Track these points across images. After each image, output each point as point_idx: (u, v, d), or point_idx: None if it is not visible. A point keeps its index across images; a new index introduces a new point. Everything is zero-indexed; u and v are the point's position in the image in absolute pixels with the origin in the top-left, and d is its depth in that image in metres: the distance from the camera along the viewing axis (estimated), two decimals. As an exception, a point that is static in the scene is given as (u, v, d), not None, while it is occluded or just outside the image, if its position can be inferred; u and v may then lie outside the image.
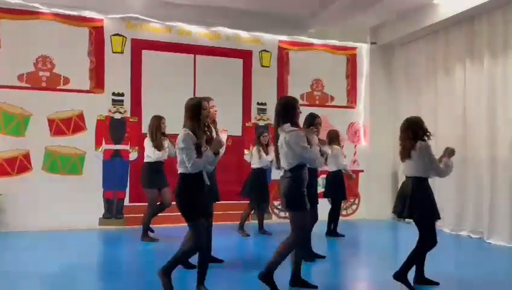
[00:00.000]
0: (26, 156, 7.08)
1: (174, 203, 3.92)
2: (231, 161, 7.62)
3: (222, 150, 4.22)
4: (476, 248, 6.40)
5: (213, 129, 4.28)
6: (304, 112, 4.37)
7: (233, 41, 8.25)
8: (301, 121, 4.37)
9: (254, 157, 6.81)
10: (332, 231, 6.88)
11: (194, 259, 4.08)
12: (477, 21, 6.96)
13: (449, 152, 4.33)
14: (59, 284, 4.41)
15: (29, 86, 7.14)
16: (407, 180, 4.26)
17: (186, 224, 3.80)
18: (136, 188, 7.34)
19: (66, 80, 7.33)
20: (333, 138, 6.79)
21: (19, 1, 7.03)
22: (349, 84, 9.04)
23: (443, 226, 7.21)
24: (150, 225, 6.34)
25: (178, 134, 3.79)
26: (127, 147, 7.60)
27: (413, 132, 4.22)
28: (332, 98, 8.91)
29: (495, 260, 5.77)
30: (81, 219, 7.13)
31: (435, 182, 4.42)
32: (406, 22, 8.11)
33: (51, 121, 7.22)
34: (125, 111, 7.62)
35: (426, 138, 4.23)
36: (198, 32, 8.04)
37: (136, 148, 7.56)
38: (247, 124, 8.32)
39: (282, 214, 8.07)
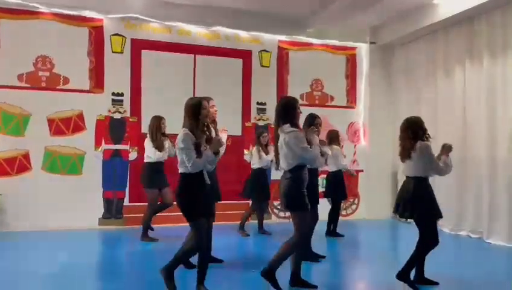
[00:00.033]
0: (26, 156, 7.08)
1: (175, 203, 3.92)
2: (231, 161, 7.62)
3: (222, 150, 4.23)
4: (475, 248, 6.40)
5: (212, 129, 4.28)
6: (304, 112, 4.37)
7: (233, 41, 8.25)
8: (301, 121, 4.37)
9: (254, 158, 6.81)
10: (332, 231, 6.88)
11: (194, 259, 4.08)
12: (477, 21, 6.97)
13: (446, 149, 4.33)
14: (59, 284, 4.41)
15: (29, 85, 7.14)
16: (408, 180, 4.26)
17: (185, 224, 3.81)
18: (136, 188, 7.34)
19: (66, 80, 7.33)
20: (333, 138, 6.79)
21: (19, 1, 7.03)
22: (348, 84, 9.05)
23: (443, 226, 7.21)
24: (151, 224, 6.35)
25: (178, 134, 3.79)
26: (126, 147, 7.60)
27: (413, 131, 4.22)
28: (332, 98, 8.91)
29: (494, 260, 5.78)
30: (81, 219, 7.13)
31: (434, 182, 4.42)
32: (405, 22, 8.12)
33: (50, 121, 7.22)
34: (124, 111, 7.62)
35: (426, 138, 4.23)
36: (198, 32, 8.04)
37: (136, 148, 7.56)
38: (246, 124, 8.32)
39: (281, 214, 8.08)
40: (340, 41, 8.91)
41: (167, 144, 6.14)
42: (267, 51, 8.47)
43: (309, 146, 3.91)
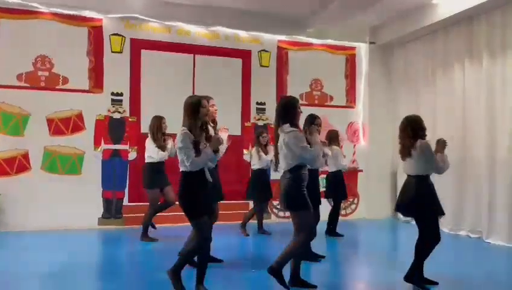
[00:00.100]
0: (25, 156, 7.07)
1: (177, 202, 3.92)
2: (230, 161, 7.61)
3: (223, 149, 4.23)
4: (475, 248, 6.40)
5: (210, 128, 4.28)
6: (303, 111, 4.36)
7: (232, 41, 8.24)
8: (301, 121, 4.37)
9: (254, 158, 6.81)
10: (331, 231, 6.88)
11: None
12: (476, 21, 6.97)
13: (441, 144, 4.32)
14: (58, 284, 4.40)
15: (28, 85, 7.13)
16: (409, 179, 4.26)
17: (185, 224, 3.81)
18: (135, 188, 7.35)
19: (65, 80, 7.32)
20: (333, 138, 6.80)
21: (18, 0, 7.02)
22: (348, 84, 9.05)
23: (442, 226, 7.18)
24: (153, 222, 6.35)
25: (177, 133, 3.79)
26: (126, 147, 7.59)
27: (412, 129, 4.22)
28: (331, 98, 8.91)
29: (494, 260, 5.78)
30: (80, 219, 7.12)
31: (434, 182, 4.41)
32: (405, 22, 8.12)
33: (50, 121, 7.21)
34: (124, 111, 7.61)
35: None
36: (198, 32, 8.04)
37: (135, 148, 7.56)
38: (246, 124, 8.32)
39: (281, 213, 8.08)
40: (339, 41, 8.91)
41: (170, 143, 6.13)
42: (266, 51, 8.47)
43: (309, 146, 3.91)
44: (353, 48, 9.07)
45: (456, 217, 7.22)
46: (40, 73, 7.20)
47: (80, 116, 7.38)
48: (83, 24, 7.43)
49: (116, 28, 7.59)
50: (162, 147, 6.07)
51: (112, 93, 7.55)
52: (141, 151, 6.97)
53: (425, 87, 8.17)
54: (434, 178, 4.32)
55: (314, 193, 4.85)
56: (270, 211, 8.26)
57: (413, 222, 4.40)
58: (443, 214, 4.26)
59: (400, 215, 7.67)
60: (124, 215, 7.50)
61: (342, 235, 6.86)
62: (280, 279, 3.97)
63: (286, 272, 4.14)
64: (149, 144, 6.13)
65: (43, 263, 5.05)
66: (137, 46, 7.70)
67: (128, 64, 7.65)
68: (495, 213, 6.52)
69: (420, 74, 8.31)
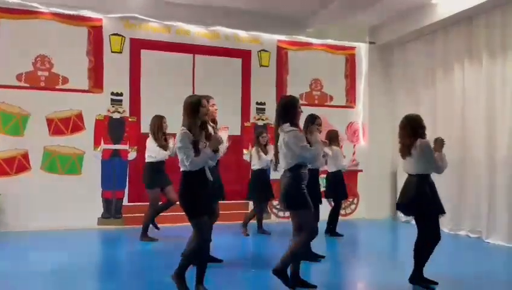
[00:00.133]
0: (25, 156, 7.07)
1: (177, 202, 3.92)
2: (230, 161, 7.60)
3: (222, 148, 4.22)
4: (474, 248, 6.41)
5: (210, 127, 4.28)
6: (303, 111, 4.36)
7: (232, 41, 8.24)
8: (301, 121, 4.37)
9: (254, 159, 6.81)
10: (331, 231, 6.88)
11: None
12: (476, 21, 6.97)
13: (439, 143, 4.33)
14: (58, 284, 4.40)
15: (28, 85, 7.13)
16: (410, 178, 4.26)
17: (185, 224, 3.80)
18: (135, 188, 7.34)
19: (65, 80, 7.32)
20: (333, 138, 6.79)
21: (18, 0, 7.02)
22: (348, 84, 9.05)
23: (442, 226, 7.16)
24: (156, 222, 6.34)
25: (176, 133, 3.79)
26: (126, 147, 7.59)
27: (412, 128, 4.22)
28: (331, 98, 8.92)
29: (494, 260, 5.79)
30: (80, 219, 7.12)
31: (434, 182, 4.41)
32: (404, 22, 8.12)
33: (49, 121, 7.21)
34: (124, 111, 7.61)
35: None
36: (197, 32, 8.04)
37: (135, 147, 7.56)
38: (246, 124, 8.32)
39: (281, 213, 8.07)
40: (339, 41, 8.91)
41: (171, 142, 6.13)
42: (266, 51, 8.47)
43: (309, 145, 3.92)
44: (353, 48, 9.07)
45: (456, 217, 7.22)
46: (39, 73, 7.19)
47: (79, 116, 7.37)
48: (82, 24, 7.43)
49: (115, 28, 7.58)
50: (164, 147, 6.08)
51: (112, 93, 7.54)
52: (141, 151, 6.97)
53: (425, 87, 8.16)
54: (434, 178, 4.32)
55: (315, 191, 4.85)
56: (270, 211, 8.26)
57: (413, 222, 4.40)
58: (444, 213, 4.25)
59: (401, 215, 7.68)
60: (123, 215, 7.49)
61: (341, 235, 6.86)
62: (285, 279, 3.96)
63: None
64: (150, 143, 6.13)
65: (43, 262, 5.05)
66: (137, 46, 7.70)
67: (128, 64, 7.65)
68: (495, 213, 6.52)
69: (420, 74, 8.31)
